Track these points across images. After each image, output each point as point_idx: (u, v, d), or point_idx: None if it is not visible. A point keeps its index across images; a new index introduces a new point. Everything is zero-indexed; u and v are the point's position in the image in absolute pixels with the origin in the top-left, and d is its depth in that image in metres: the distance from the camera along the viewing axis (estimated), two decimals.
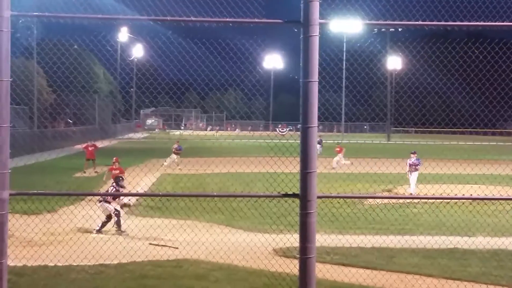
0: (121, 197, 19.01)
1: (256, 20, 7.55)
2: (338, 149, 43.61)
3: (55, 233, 17.20)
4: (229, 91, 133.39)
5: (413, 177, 27.28)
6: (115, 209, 18.19)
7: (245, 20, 7.72)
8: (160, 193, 18.54)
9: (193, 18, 7.74)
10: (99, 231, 17.93)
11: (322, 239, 15.00)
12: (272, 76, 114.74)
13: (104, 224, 18.15)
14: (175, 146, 39.97)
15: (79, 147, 43.05)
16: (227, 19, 7.68)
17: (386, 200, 22.71)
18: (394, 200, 22.83)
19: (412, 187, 27.09)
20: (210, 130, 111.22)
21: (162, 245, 15.86)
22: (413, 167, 27.28)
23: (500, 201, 22.10)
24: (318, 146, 51.99)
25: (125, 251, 14.58)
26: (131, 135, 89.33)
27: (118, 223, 18.10)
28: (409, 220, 19.63)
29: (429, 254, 14.94)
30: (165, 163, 38.24)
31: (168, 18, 7.77)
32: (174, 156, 39.33)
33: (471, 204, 22.56)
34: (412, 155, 27.90)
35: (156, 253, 14.90)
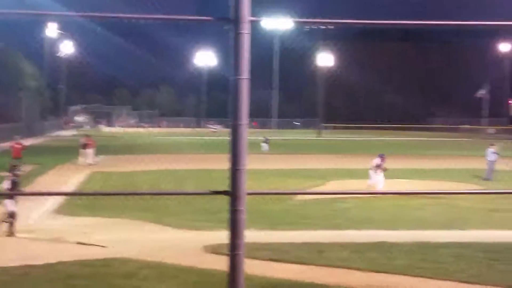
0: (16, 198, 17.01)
1: (186, 17, 7.50)
2: None
3: None
4: (161, 88, 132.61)
5: (380, 178, 25.22)
6: (13, 210, 16.59)
7: (175, 17, 7.65)
8: (89, 192, 18.26)
9: (121, 15, 7.61)
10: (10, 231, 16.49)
11: (253, 235, 14.97)
12: (205, 73, 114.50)
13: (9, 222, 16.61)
14: (84, 140, 38.84)
15: (5, 145, 41.83)
16: (157, 16, 7.59)
17: (316, 196, 22.99)
18: (324, 196, 23.14)
19: (381, 186, 24.87)
20: (140, 127, 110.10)
21: (89, 244, 15.57)
22: (379, 169, 25.48)
23: (425, 195, 22.82)
24: (265, 144, 51.84)
25: (52, 251, 14.30)
26: (60, 132, 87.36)
27: (12, 225, 16.52)
28: (337, 215, 19.95)
29: (358, 248, 15.21)
30: (87, 161, 37.20)
31: (97, 14, 7.63)
32: (88, 151, 38.05)
33: (393, 198, 23.18)
34: (379, 157, 26.09)
35: (84, 253, 14.61)
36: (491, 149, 32.06)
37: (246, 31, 6.65)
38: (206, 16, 7.16)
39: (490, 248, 15.20)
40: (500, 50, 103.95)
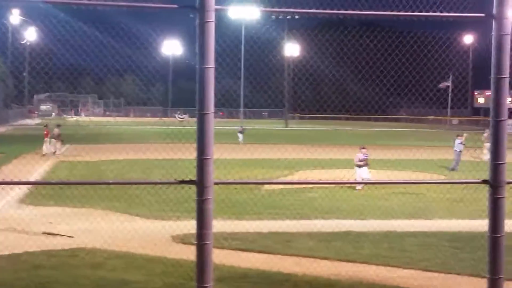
0: None
1: (151, 5, 7.45)
2: None
3: None
4: (126, 77, 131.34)
5: (365, 170, 24.46)
6: None
7: (139, 5, 7.58)
8: (53, 181, 18.05)
9: (84, 1, 7.53)
10: None
11: (219, 224, 15.05)
12: (171, 62, 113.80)
13: None
14: (56, 130, 38.45)
15: None
16: (121, 3, 7.52)
17: (283, 186, 23.08)
18: (291, 186, 23.25)
19: (367, 176, 24.17)
20: (107, 116, 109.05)
21: (56, 234, 15.42)
22: (363, 162, 24.50)
23: (390, 184, 23.09)
24: (240, 134, 51.66)
25: (18, 241, 14.13)
26: (24, 121, 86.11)
27: None
28: (304, 204, 20.07)
29: (324, 238, 15.34)
30: (47, 150, 36.85)
31: (59, 0, 7.54)
32: (54, 141, 37.76)
33: (361, 188, 23.41)
34: (362, 150, 24.99)
35: (49, 243, 14.47)
36: (458, 140, 32.60)
37: (211, 20, 6.63)
38: (172, 4, 7.12)
39: (454, 237, 15.47)
40: (464, 42, 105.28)
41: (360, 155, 24.61)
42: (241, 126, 55.26)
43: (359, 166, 24.40)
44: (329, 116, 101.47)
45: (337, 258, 13.52)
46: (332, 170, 27.89)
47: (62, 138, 38.18)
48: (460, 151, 32.11)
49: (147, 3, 7.51)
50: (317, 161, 29.85)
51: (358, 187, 23.50)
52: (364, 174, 24.04)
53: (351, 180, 23.61)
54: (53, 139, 37.61)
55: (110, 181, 18.78)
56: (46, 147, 36.96)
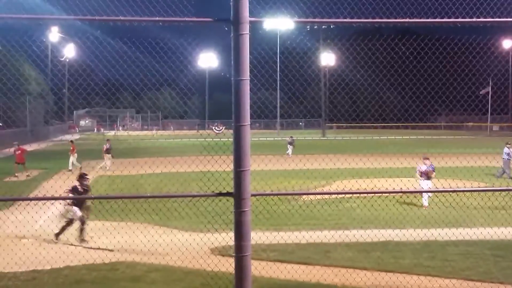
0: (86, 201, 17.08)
1: (186, 18, 7.49)
2: None
3: None
4: (163, 90, 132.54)
5: (425, 186, 22.40)
6: (82, 215, 16.67)
7: (174, 19, 7.65)
8: (93, 196, 18.26)
9: (121, 18, 7.62)
10: (58, 235, 16.70)
11: (258, 236, 15.09)
12: (207, 74, 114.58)
13: (64, 228, 16.80)
14: (107, 146, 39.02)
15: (8, 151, 41.92)
16: (157, 18, 7.59)
17: (320, 196, 22.97)
18: (329, 196, 23.13)
19: (425, 198, 22.37)
20: (148, 130, 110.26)
21: (97, 248, 15.60)
22: (425, 175, 22.70)
23: (431, 193, 22.76)
24: (290, 146, 49.12)
25: (58, 256, 14.31)
26: (64, 137, 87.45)
27: (82, 231, 16.59)
28: (343, 214, 19.94)
29: (363, 248, 15.20)
30: (106, 167, 37.18)
31: (96, 17, 7.63)
32: (106, 156, 38.32)
33: (401, 197, 23.16)
34: (425, 161, 23.14)
35: (90, 257, 14.64)
36: (506, 148, 32.22)
37: (245, 32, 6.64)
38: (207, 17, 7.15)
39: (497, 246, 15.20)
40: (503, 47, 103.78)
41: (422, 167, 22.77)
42: (291, 137, 51.72)
43: (422, 178, 22.52)
44: (366, 125, 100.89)
45: (376, 268, 13.37)
46: (370, 179, 27.66)
47: (112, 153, 38.49)
48: (509, 159, 31.77)
49: (182, 17, 7.57)
50: (354, 171, 29.63)
51: (425, 203, 22.00)
52: (424, 186, 22.07)
53: (390, 190, 23.36)
54: (105, 154, 38.05)
55: (148, 194, 18.91)
56: (72, 163, 37.10)
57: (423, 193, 21.57)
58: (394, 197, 23.07)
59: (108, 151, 38.45)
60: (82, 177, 17.58)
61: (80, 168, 36.01)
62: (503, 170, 31.34)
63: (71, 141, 40.21)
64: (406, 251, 14.89)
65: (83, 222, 16.65)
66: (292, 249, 15.12)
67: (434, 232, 16.75)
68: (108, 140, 41.18)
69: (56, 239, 16.69)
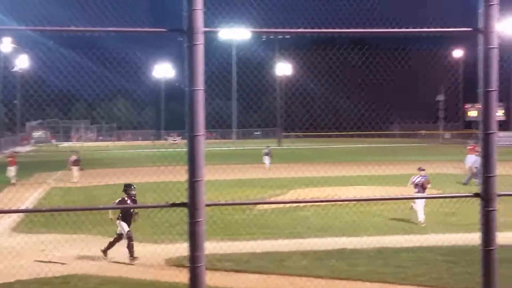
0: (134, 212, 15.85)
1: (139, 29, 7.44)
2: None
3: None
4: (117, 101, 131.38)
5: (420, 201, 20.33)
6: (129, 231, 15.55)
7: (127, 29, 7.57)
8: (43, 208, 17.94)
9: (73, 28, 7.51)
10: (105, 252, 15.61)
11: (213, 246, 15.01)
12: (163, 85, 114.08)
13: (111, 244, 15.67)
14: (74, 157, 37.89)
15: None
16: (109, 28, 7.50)
17: (275, 205, 22.99)
18: (283, 205, 23.16)
19: (420, 213, 20.35)
20: (102, 141, 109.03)
21: (49, 262, 15.28)
22: (420, 187, 20.77)
23: (384, 201, 23.03)
24: (267, 157, 44.83)
25: (10, 270, 13.99)
26: (16, 148, 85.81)
27: (131, 247, 15.39)
28: (298, 223, 20.00)
29: (318, 256, 15.27)
30: (74, 179, 36.19)
31: (47, 28, 7.51)
32: (74, 168, 37.19)
33: (355, 205, 23.33)
34: (420, 172, 21.41)
35: (41, 271, 14.32)
36: (474, 156, 32.62)
37: (199, 42, 6.63)
38: (161, 27, 7.12)
39: (449, 252, 15.44)
40: (455, 56, 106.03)
41: (417, 178, 21.04)
42: (267, 147, 48.05)
43: (416, 190, 20.55)
44: (323, 134, 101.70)
45: (331, 276, 13.45)
46: (324, 188, 27.81)
47: (81, 165, 37.39)
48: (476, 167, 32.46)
49: (136, 28, 7.51)
50: (309, 180, 29.76)
51: (421, 218, 20.11)
52: (419, 201, 20.03)
53: (344, 198, 23.51)
54: (72, 166, 36.98)
55: (102, 206, 18.64)
56: (11, 175, 36.00)
57: (419, 208, 20.05)
58: (347, 205, 23.24)
59: (76, 162, 37.40)
60: (128, 187, 16.24)
61: (14, 181, 34.76)
62: (470, 176, 31.97)
63: (10, 156, 39.05)
64: (361, 258, 15.02)
65: (130, 238, 15.47)
66: (247, 258, 15.09)
67: (388, 239, 16.96)
68: (76, 151, 40.04)
69: (105, 255, 15.55)
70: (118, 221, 15.75)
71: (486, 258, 6.60)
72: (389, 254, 15.38)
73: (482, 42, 6.47)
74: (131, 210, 15.61)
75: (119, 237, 15.67)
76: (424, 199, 20.28)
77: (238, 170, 39.85)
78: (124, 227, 15.59)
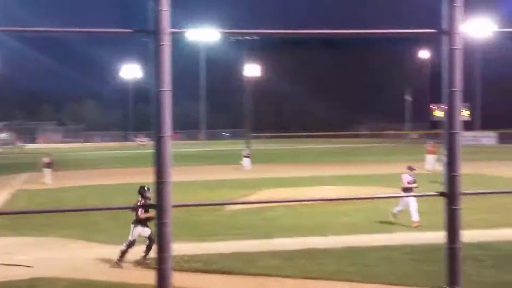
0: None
1: (105, 30, 7.40)
2: None
3: None
4: (86, 102, 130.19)
5: (412, 201, 19.19)
6: (151, 233, 14.41)
7: (93, 30, 7.52)
8: (12, 211, 17.73)
9: (39, 28, 7.42)
10: (120, 262, 14.60)
11: (181, 247, 14.94)
12: (131, 86, 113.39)
13: (124, 252, 14.76)
14: (47, 160, 37.26)
15: None
16: (75, 29, 7.44)
17: (245, 206, 23.00)
18: (252, 206, 23.18)
19: (414, 214, 19.20)
20: (70, 142, 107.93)
21: (14, 265, 15.07)
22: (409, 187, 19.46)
23: (352, 200, 23.22)
24: (247, 160, 42.89)
25: None
26: None
27: (149, 249, 14.53)
28: (267, 224, 20.02)
29: (288, 256, 15.32)
30: (46, 181, 35.58)
31: (12, 28, 7.41)
32: (47, 171, 36.61)
33: (323, 205, 23.47)
34: (410, 171, 20.21)
35: (7, 274, 14.13)
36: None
37: (166, 43, 6.62)
38: (128, 28, 7.08)
39: (416, 250, 15.61)
40: (422, 57, 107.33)
41: (408, 177, 19.75)
42: (247, 147, 46.94)
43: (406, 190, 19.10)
44: (291, 135, 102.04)
45: (300, 276, 13.50)
46: (293, 188, 27.95)
47: (53, 167, 36.76)
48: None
49: (100, 29, 7.45)
50: (277, 180, 29.89)
51: (415, 218, 19.02)
52: (411, 201, 19.02)
53: (312, 198, 23.67)
54: (45, 168, 36.39)
55: (69, 208, 18.47)
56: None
57: (412, 208, 19.03)
58: (316, 205, 23.37)
59: (49, 165, 36.85)
60: (143, 189, 15.01)
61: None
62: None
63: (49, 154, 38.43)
64: (329, 258, 15.10)
65: (152, 241, 14.17)
66: (216, 259, 15.07)
67: (356, 238, 17.08)
68: (48, 154, 39.37)
69: (120, 264, 14.66)
70: (132, 226, 14.89)
71: (451, 255, 6.69)
72: (357, 253, 15.49)
73: (446, 42, 6.57)
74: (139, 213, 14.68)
75: (131, 244, 14.86)
76: (415, 199, 19.05)
77: (208, 171, 39.86)
78: (145, 230, 14.76)
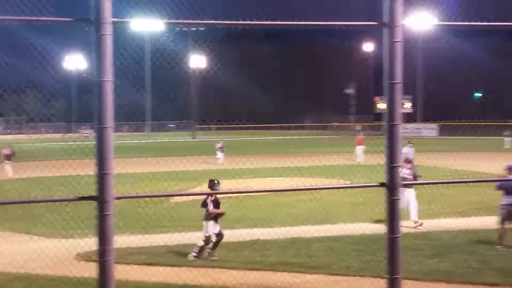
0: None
1: (44, 18, 7.21)
2: None
3: None
4: (28, 93, 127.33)
5: (413, 199, 18.37)
6: (220, 229, 14.75)
7: (32, 18, 7.34)
8: None
9: None
10: (197, 256, 14.48)
11: (124, 240, 14.82)
12: (74, 76, 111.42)
13: (202, 248, 14.65)
14: (7, 151, 36.24)
15: None
16: (12, 17, 7.24)
17: (190, 197, 22.92)
18: (197, 197, 23.10)
19: (413, 213, 18.36)
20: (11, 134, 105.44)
21: None
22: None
23: (299, 191, 23.42)
24: (220, 153, 42.99)
25: None
26: None
27: (216, 245, 14.71)
28: None
29: (232, 247, 15.37)
30: (8, 174, 34.58)
31: None
32: (7, 163, 35.57)
33: (268, 196, 23.60)
34: (407, 165, 18.89)
35: None
36: (408, 148, 33.37)
37: (107, 33, 6.53)
38: (68, 17, 6.94)
39: (358, 241, 15.88)
40: (366, 50, 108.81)
41: (405, 171, 18.23)
42: (220, 140, 45.49)
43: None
44: (237, 127, 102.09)
45: (244, 267, 13.59)
46: (239, 179, 27.96)
47: (13, 159, 35.72)
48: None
49: (38, 17, 7.28)
50: (224, 171, 29.87)
51: (414, 217, 18.21)
52: (412, 199, 18.19)
53: (257, 189, 23.77)
54: (6, 160, 35.32)
55: (8, 200, 18.03)
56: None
57: (412, 207, 18.21)
58: (261, 196, 23.45)
59: (9, 157, 35.78)
60: (212, 182, 15.19)
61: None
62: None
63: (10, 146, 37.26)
64: (273, 249, 15.23)
65: (221, 236, 14.74)
66: (161, 251, 15.02)
67: (300, 229, 17.25)
68: (9, 145, 38.13)
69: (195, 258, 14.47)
70: (204, 222, 14.72)
71: (391, 245, 6.82)
72: (301, 244, 15.67)
73: (387, 35, 6.66)
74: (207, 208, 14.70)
75: (207, 240, 14.67)
76: (414, 195, 18.24)
77: (155, 162, 39.45)
78: (216, 226, 14.72)
